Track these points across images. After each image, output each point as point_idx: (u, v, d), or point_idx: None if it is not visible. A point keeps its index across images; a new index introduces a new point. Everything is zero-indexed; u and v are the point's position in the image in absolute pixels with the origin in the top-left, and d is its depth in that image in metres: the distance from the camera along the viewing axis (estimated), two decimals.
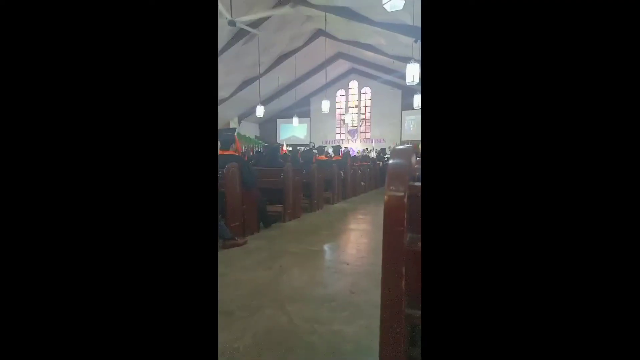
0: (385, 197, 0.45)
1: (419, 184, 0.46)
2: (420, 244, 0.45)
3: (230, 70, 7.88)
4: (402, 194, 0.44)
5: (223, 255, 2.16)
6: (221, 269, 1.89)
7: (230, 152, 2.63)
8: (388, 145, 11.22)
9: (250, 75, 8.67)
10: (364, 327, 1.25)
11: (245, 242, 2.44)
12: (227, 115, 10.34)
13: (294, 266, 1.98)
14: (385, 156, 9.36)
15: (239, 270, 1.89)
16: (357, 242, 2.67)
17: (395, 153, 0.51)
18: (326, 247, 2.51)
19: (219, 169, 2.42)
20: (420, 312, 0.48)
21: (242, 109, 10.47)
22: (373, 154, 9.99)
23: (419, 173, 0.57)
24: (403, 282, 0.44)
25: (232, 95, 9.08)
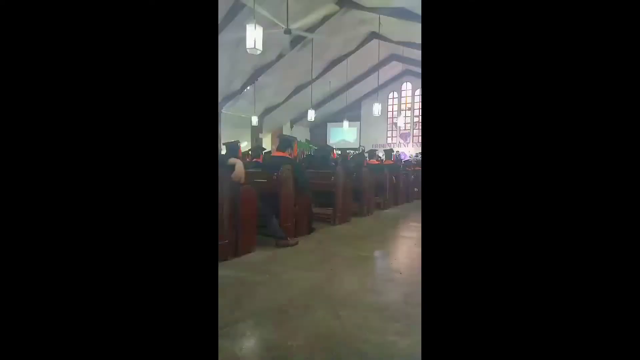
0: None
1: None
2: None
3: (284, 77, 8.22)
4: None
5: (276, 254, 2.23)
6: (275, 267, 1.96)
7: (285, 154, 2.73)
8: None
9: (303, 81, 8.95)
10: (418, 342, 1.17)
11: (296, 243, 2.50)
12: (279, 120, 10.81)
13: (345, 270, 1.96)
14: None
15: (292, 270, 1.93)
16: (410, 250, 2.54)
17: None
18: (377, 253, 2.44)
19: (273, 170, 2.52)
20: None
21: (294, 113, 10.85)
22: None
23: None
24: None
25: (285, 100, 9.47)
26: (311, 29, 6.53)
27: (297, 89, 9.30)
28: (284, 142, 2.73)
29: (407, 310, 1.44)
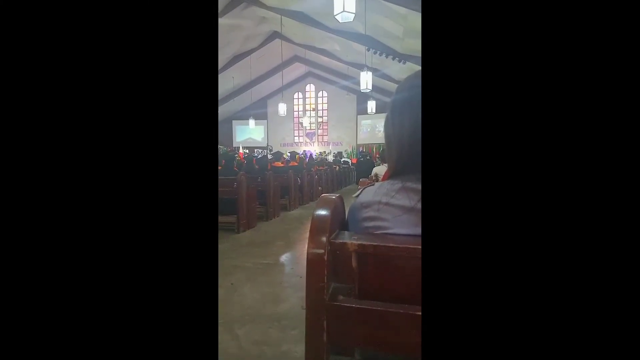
0: (307, 254, 0.47)
1: (341, 239, 0.48)
2: (341, 297, 0.48)
3: None
4: (322, 250, 0.46)
5: None
6: None
7: None
8: (345, 148, 11.53)
9: None
10: None
11: None
12: None
13: (245, 282, 1.94)
14: (342, 159, 9.63)
15: None
16: None
17: (320, 202, 0.53)
18: (281, 258, 2.50)
19: None
20: (343, 358, 0.51)
21: None
22: (330, 157, 10.18)
23: (346, 216, 0.60)
24: (325, 335, 0.46)
25: None
26: None
27: None
28: None
29: (303, 316, 1.53)
